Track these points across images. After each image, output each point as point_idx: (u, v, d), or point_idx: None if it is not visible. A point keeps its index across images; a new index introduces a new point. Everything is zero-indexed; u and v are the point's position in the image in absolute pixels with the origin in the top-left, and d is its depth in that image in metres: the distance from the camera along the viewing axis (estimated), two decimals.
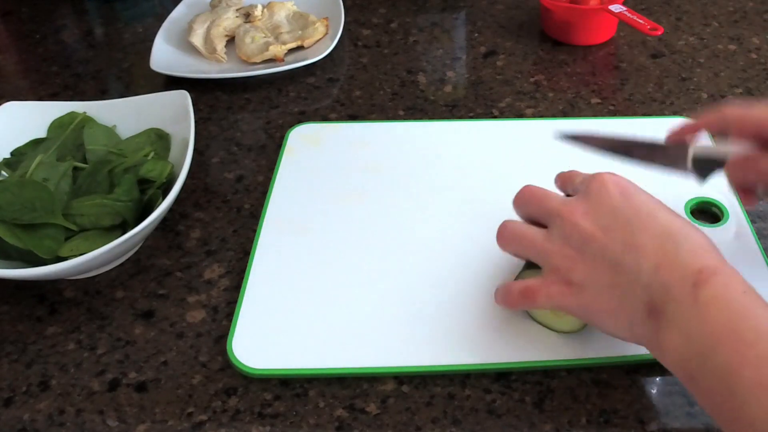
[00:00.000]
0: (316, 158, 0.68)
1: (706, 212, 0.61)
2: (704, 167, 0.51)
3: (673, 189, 0.61)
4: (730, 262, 0.42)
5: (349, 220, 0.61)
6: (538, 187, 0.50)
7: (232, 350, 0.51)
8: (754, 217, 0.60)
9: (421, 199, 0.62)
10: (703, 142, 0.53)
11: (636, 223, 0.43)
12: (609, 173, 0.47)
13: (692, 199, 0.60)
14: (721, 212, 0.60)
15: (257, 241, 0.59)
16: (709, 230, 0.58)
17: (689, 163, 0.52)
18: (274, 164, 0.68)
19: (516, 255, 0.50)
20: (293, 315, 0.53)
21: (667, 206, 0.46)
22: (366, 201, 0.63)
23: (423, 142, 0.69)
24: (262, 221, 0.61)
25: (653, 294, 0.41)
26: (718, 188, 0.61)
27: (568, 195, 0.51)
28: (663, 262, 0.41)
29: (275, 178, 0.65)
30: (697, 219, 0.60)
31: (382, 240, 0.59)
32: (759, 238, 0.57)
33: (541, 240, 0.47)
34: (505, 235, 0.49)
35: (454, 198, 0.62)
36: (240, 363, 0.50)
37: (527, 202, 0.50)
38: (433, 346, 0.51)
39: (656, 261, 0.41)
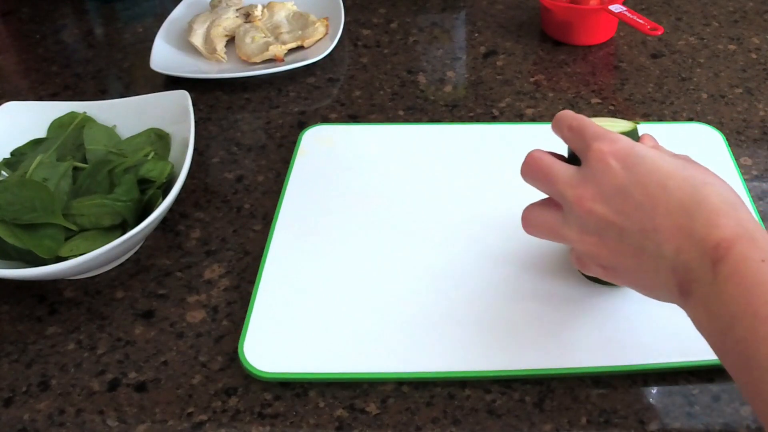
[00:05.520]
0: (330, 161, 0.67)
1: None
2: None
3: None
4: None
5: (358, 225, 0.60)
6: (542, 160, 0.47)
7: (243, 353, 0.51)
8: None
9: (429, 205, 0.62)
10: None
11: (647, 204, 0.42)
12: (606, 141, 0.44)
13: None
14: None
15: (269, 243, 0.59)
16: None
17: None
18: (274, 164, 0.68)
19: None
20: (305, 318, 0.53)
21: (673, 156, 0.44)
22: (375, 206, 0.62)
23: (436, 145, 0.68)
24: (275, 224, 0.60)
25: (679, 275, 0.40)
26: None
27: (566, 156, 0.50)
28: (682, 244, 0.40)
29: (288, 179, 0.65)
30: None
31: (386, 245, 0.59)
32: None
33: (560, 226, 0.47)
34: (529, 223, 0.50)
35: (463, 204, 0.62)
36: (252, 367, 0.50)
37: (534, 177, 0.48)
38: (440, 351, 0.50)
39: (676, 243, 0.40)
